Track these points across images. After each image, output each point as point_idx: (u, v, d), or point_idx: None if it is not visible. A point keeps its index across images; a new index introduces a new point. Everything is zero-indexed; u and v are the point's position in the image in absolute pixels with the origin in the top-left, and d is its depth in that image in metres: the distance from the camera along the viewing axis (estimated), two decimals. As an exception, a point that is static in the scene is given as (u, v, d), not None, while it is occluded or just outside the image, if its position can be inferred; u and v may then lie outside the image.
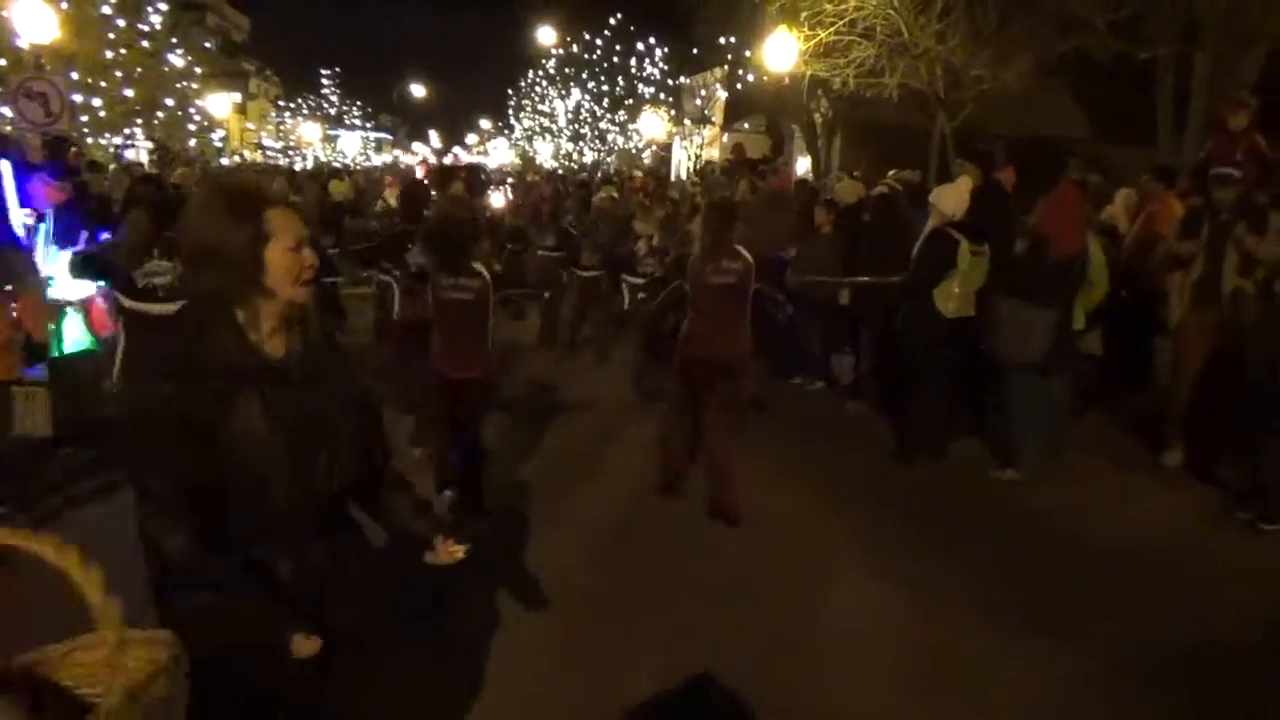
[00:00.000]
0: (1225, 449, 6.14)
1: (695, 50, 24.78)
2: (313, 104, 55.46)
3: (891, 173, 9.31)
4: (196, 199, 2.32)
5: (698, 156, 27.46)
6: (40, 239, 6.52)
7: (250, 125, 43.49)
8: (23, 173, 7.21)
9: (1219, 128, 6.38)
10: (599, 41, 31.42)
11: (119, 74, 19.51)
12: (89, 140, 18.75)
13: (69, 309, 6.43)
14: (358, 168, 34.32)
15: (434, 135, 72.74)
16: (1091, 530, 5.55)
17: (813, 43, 14.77)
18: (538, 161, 38.44)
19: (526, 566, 4.88)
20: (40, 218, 6.59)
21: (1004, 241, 6.35)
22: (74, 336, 6.43)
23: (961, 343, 6.36)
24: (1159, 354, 7.43)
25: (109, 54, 18.91)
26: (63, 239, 6.47)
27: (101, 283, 6.76)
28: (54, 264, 6.48)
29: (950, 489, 6.20)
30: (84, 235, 6.68)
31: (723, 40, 20.30)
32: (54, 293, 6.41)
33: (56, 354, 6.25)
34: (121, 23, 19.03)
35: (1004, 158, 7.27)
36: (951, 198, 6.17)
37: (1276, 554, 5.30)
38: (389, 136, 73.01)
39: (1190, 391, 6.19)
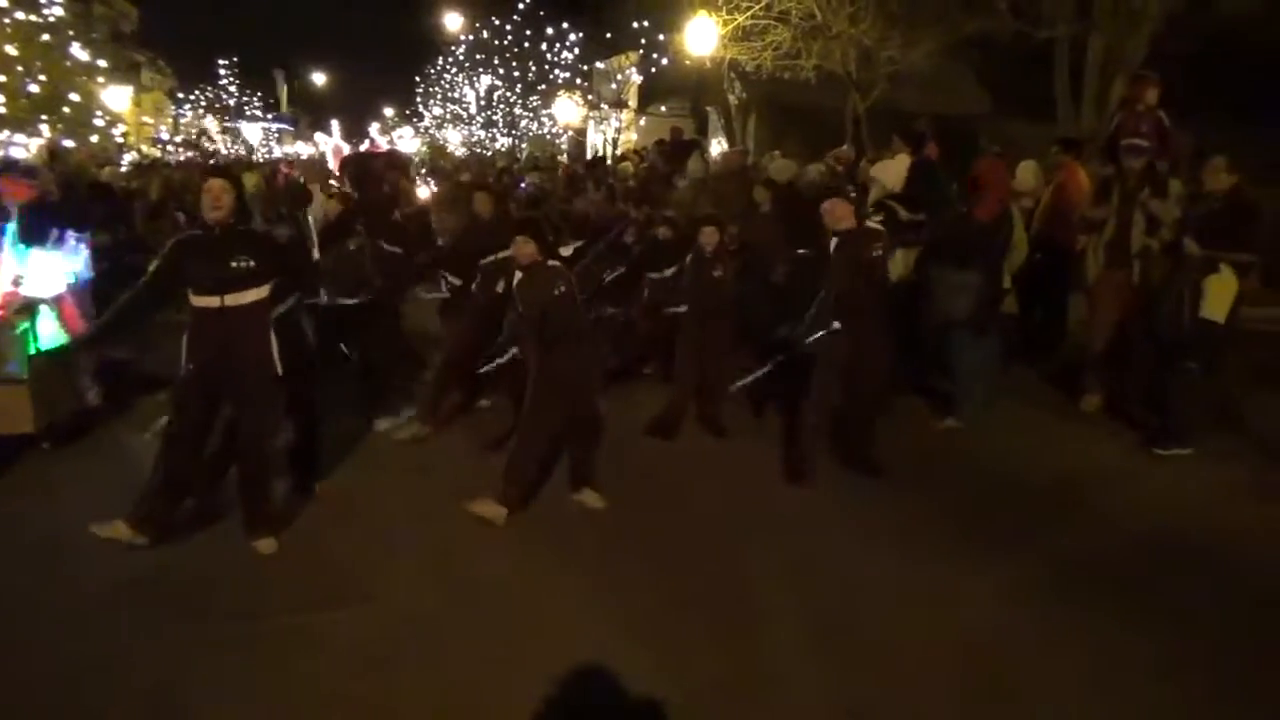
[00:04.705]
0: (1138, 391, 6.86)
1: (609, 35, 25.04)
2: (210, 95, 53.64)
3: (832, 152, 9.82)
4: None
5: (615, 140, 27.76)
6: (7, 238, 6.50)
7: (147, 119, 41.95)
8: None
9: (1127, 103, 7.08)
10: (509, 27, 31.35)
11: (19, 69, 18.79)
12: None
13: (42, 306, 6.46)
14: (263, 160, 33.59)
15: (335, 125, 71.02)
16: (1026, 468, 6.21)
17: (730, 26, 15.29)
18: (449, 150, 38.05)
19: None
20: (5, 216, 6.57)
21: (938, 211, 6.92)
22: (48, 333, 6.47)
23: (903, 305, 6.90)
24: (1074, 311, 8.16)
25: (9, 49, 18.20)
26: (33, 237, 6.49)
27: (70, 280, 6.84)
28: (23, 263, 6.49)
29: (897, 438, 6.73)
30: (53, 234, 6.67)
31: (636, 25, 20.65)
32: (26, 290, 6.43)
33: (33, 351, 6.31)
34: (21, 15, 18.33)
35: (930, 135, 7.85)
36: (892, 172, 6.70)
37: (1187, 478, 6.02)
38: (290, 127, 71.05)
39: (1106, 341, 6.90)
